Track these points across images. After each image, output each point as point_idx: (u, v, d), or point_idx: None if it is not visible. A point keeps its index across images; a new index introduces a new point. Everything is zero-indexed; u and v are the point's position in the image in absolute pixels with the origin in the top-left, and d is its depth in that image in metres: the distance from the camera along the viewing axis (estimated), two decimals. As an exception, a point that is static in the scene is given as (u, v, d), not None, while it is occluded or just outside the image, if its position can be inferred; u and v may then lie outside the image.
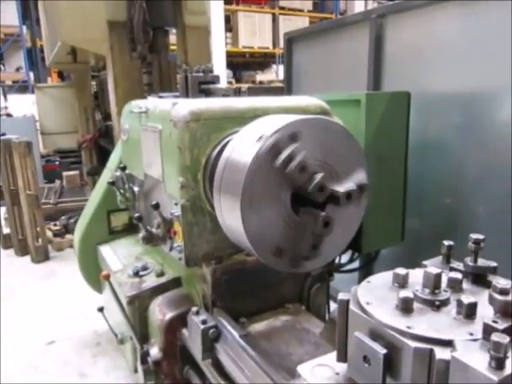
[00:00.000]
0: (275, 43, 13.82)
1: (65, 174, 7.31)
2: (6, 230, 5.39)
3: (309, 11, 14.71)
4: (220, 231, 1.80)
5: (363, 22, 3.05)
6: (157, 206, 1.96)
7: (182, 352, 2.07)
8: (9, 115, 8.68)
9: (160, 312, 2.11)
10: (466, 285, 0.88)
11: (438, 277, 0.79)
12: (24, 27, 11.84)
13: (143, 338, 2.21)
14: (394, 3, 2.85)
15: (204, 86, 2.20)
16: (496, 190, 2.35)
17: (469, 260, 0.91)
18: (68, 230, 5.49)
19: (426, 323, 0.75)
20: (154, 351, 2.11)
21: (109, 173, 2.86)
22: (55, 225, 5.64)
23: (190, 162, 1.84)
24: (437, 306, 0.80)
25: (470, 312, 0.76)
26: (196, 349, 1.81)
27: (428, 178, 2.66)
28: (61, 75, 11.34)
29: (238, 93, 2.10)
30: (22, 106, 8.86)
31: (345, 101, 2.35)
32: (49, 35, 6.23)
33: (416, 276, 0.85)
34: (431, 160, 2.65)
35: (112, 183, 2.52)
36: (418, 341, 0.72)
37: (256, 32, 13.29)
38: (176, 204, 1.91)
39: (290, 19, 13.85)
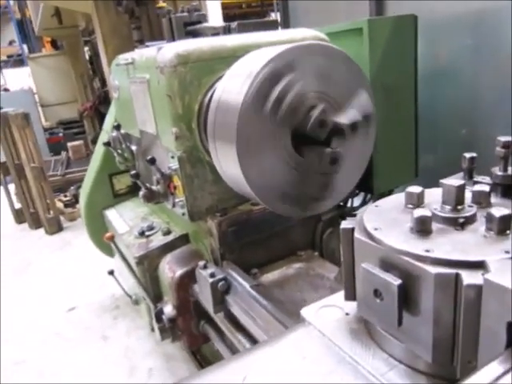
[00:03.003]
0: (272, -10, 13.12)
1: (69, 144, 7.22)
2: (18, 205, 5.40)
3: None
4: (222, 182, 1.70)
5: None
6: (153, 161, 1.86)
7: (196, 307, 2.04)
8: (6, 90, 8.52)
9: (170, 270, 2.06)
10: (494, 199, 0.74)
11: (461, 189, 0.65)
12: (11, -1, 11.46)
13: (156, 297, 2.19)
14: None
15: (190, 28, 2.02)
16: (515, 113, 2.17)
17: (497, 169, 0.77)
18: (78, 199, 5.46)
19: (448, 245, 0.63)
20: (168, 309, 2.09)
21: (105, 134, 2.74)
22: (65, 196, 5.62)
23: (181, 110, 1.72)
24: (461, 224, 0.66)
25: (503, 226, 0.62)
26: (207, 303, 1.76)
27: (441, 107, 2.48)
28: (55, 45, 11.01)
29: (227, 31, 1.93)
30: (19, 79, 8.69)
31: (345, 31, 2.17)
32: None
33: (433, 195, 0.72)
34: (443, 88, 2.46)
35: (108, 143, 2.41)
36: (440, 265, 0.59)
37: (251, -21, 12.62)
38: (173, 157, 1.81)
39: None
